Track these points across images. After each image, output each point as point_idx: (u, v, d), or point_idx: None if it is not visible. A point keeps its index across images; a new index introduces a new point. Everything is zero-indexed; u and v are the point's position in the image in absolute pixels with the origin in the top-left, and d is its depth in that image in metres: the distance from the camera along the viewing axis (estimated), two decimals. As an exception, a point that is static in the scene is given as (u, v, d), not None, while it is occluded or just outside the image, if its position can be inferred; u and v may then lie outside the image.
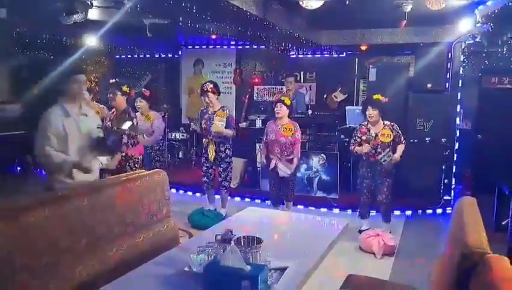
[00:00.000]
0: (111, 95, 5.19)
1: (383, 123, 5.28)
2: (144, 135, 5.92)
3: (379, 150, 5.20)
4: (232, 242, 2.38)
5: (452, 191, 6.90)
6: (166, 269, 2.41)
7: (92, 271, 2.60)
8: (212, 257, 2.28)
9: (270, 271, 2.27)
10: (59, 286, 2.40)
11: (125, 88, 5.31)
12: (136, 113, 5.73)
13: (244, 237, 2.44)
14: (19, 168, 8.71)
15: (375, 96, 5.33)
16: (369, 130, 5.27)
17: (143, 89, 6.35)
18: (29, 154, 8.65)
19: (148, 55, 10.46)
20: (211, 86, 5.81)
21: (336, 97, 8.88)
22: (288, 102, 5.63)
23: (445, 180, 6.98)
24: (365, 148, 5.20)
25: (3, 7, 3.44)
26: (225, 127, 5.70)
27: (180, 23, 5.93)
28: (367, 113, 5.24)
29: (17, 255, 2.24)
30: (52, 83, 8.74)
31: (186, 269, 2.36)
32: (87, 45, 8.04)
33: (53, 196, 2.61)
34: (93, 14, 5.76)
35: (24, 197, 2.59)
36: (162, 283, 2.28)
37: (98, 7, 5.66)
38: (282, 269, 2.35)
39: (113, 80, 5.74)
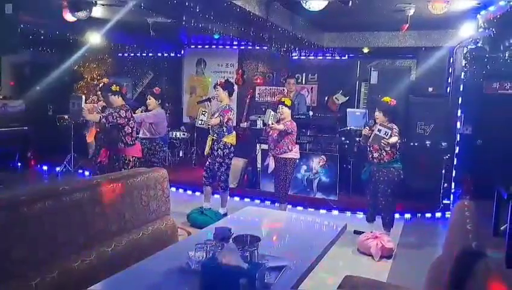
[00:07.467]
0: (104, 99, 5.20)
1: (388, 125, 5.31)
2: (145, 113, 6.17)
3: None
4: (230, 240, 2.40)
5: (451, 196, 6.89)
6: (164, 265, 2.42)
7: (90, 266, 2.61)
8: (210, 254, 2.29)
9: (268, 270, 2.28)
10: (57, 280, 2.41)
11: (114, 88, 5.09)
12: (148, 109, 6.10)
13: (242, 235, 2.45)
14: (19, 164, 8.72)
15: (383, 99, 5.40)
16: (370, 128, 5.34)
17: (155, 89, 6.39)
18: (30, 149, 8.70)
19: (150, 54, 10.45)
20: (222, 80, 6.06)
21: (337, 99, 8.90)
22: (288, 102, 5.69)
23: (445, 185, 6.97)
24: (364, 131, 5.35)
25: (9, 2, 3.44)
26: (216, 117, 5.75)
27: (184, 23, 5.94)
28: (375, 114, 5.35)
29: (15, 247, 2.25)
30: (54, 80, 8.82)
31: (184, 266, 2.37)
32: (90, 43, 8.06)
33: (53, 190, 2.62)
34: (97, 11, 5.78)
35: (24, 190, 2.60)
36: (159, 280, 2.29)
37: (102, 5, 5.68)
38: (280, 268, 2.36)
39: (102, 84, 5.73)
